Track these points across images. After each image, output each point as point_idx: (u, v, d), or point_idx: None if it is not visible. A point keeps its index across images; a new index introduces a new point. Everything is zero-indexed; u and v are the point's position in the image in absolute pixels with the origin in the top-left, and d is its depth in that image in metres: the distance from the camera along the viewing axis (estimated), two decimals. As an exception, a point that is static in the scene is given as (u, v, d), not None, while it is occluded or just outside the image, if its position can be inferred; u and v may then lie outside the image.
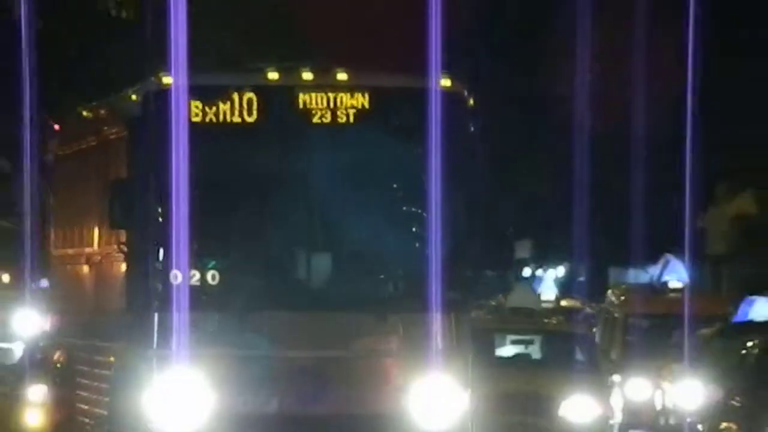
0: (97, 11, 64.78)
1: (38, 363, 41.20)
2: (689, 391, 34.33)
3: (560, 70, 69.70)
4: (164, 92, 20.19)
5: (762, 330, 35.34)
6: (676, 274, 51.62)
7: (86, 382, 24.47)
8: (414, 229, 20.25)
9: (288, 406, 19.53)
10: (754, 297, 40.91)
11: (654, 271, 53.00)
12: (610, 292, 52.47)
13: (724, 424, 27.78)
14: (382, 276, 20.34)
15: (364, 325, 19.74)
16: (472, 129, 20.76)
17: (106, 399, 22.05)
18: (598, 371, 38.41)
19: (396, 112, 20.47)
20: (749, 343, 31.64)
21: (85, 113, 26.20)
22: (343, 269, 20.10)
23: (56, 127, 31.93)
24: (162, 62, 21.69)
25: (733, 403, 28.78)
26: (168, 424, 19.51)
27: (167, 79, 20.37)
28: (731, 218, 59.23)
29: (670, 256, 53.53)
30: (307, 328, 19.71)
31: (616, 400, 39.38)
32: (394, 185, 20.73)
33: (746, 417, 28.54)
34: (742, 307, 41.09)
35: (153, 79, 20.84)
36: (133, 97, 21.80)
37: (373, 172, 20.49)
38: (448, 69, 21.50)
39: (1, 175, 64.18)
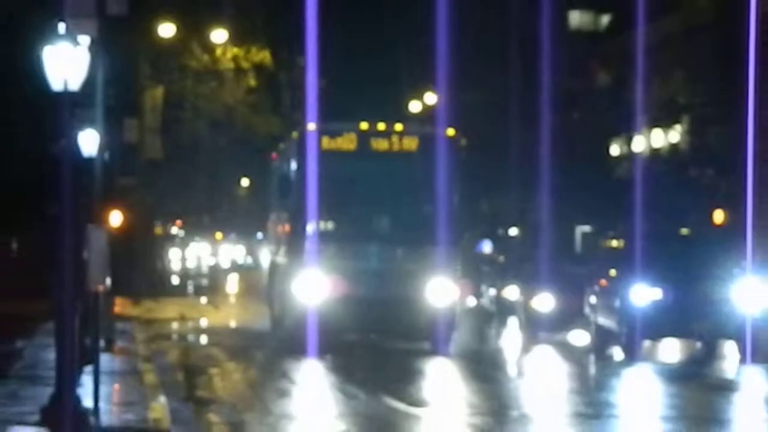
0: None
1: (233, 267, 47.87)
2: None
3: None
4: (309, 132, 21.69)
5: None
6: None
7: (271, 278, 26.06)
8: (432, 207, 20.79)
9: (367, 292, 20.41)
10: (483, 240, 44.04)
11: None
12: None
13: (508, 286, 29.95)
14: (415, 228, 20.96)
15: (407, 252, 20.89)
16: (463, 155, 22.08)
17: (276, 287, 23.63)
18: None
19: (423, 146, 21.70)
20: (501, 255, 35.25)
21: (281, 145, 27.21)
22: (396, 223, 21.09)
23: (273, 155, 30.43)
24: (308, 117, 24.87)
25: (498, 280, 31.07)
26: (304, 299, 20.58)
27: (311, 126, 22.19)
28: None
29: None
30: (378, 253, 20.85)
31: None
32: (422, 184, 21.24)
33: (497, 277, 32.04)
34: (479, 245, 44.34)
35: (304, 126, 22.52)
36: (294, 135, 23.23)
37: (412, 177, 21.53)
38: (450, 124, 24.26)
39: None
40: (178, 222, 59.77)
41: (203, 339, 29.07)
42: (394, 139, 21.98)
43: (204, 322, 33.11)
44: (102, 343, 16.89)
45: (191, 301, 42.64)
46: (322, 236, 20.81)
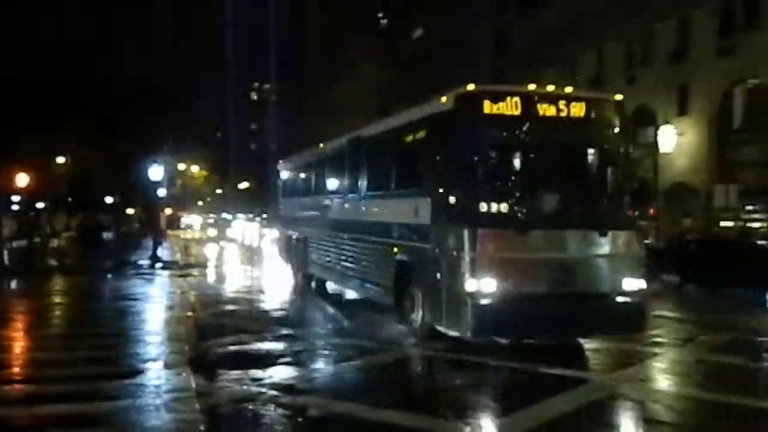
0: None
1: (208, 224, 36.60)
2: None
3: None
4: (470, 92, 5.95)
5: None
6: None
7: (373, 259, 8.08)
8: (613, 184, 6.37)
9: (551, 287, 5.86)
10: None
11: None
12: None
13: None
14: (602, 207, 6.26)
15: (591, 237, 6.04)
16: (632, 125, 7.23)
17: (434, 275, 6.26)
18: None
19: (593, 112, 6.05)
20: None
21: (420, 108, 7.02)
22: (577, 204, 6.14)
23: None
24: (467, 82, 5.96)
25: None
26: (475, 291, 5.80)
27: (471, 87, 5.97)
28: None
29: None
30: (559, 240, 5.97)
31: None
32: (599, 157, 6.28)
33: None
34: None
35: (463, 87, 6.05)
36: (443, 99, 6.33)
37: (589, 149, 6.27)
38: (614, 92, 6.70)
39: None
40: (186, 212, 57.22)
41: (194, 240, 28.90)
42: (565, 104, 6.02)
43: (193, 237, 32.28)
44: (162, 240, 18.07)
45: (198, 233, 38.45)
46: (488, 220, 5.76)
